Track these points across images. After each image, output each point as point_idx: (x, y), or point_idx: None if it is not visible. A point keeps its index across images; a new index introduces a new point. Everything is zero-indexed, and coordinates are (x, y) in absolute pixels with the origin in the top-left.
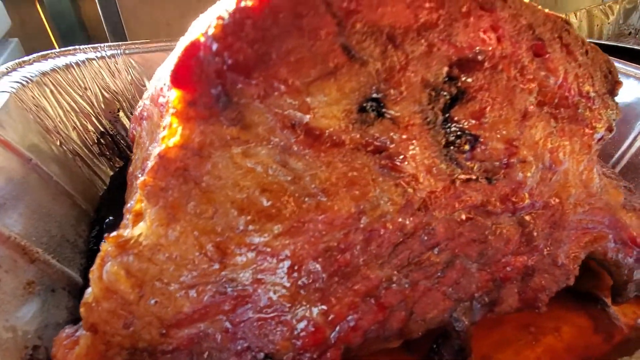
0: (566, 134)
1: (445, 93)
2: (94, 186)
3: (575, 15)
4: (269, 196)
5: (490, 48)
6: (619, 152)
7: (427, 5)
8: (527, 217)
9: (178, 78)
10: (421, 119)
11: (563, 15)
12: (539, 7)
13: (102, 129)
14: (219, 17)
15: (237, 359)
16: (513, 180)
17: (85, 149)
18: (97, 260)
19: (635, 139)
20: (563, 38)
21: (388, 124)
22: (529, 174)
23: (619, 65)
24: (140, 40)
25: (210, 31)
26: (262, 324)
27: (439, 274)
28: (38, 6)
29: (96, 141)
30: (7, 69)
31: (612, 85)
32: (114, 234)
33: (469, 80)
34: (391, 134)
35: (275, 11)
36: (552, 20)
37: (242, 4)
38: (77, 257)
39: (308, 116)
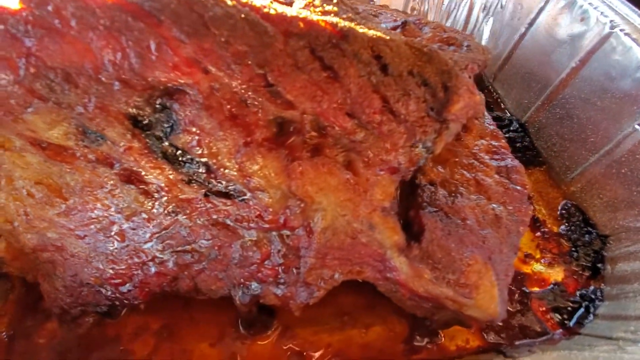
0: (315, 168)
1: (161, 122)
2: None
3: None
4: (42, 188)
5: (192, 80)
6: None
7: (101, 45)
8: (279, 237)
9: None
10: (140, 143)
11: (341, 24)
12: (303, 15)
13: None
14: None
15: (73, 279)
16: (260, 203)
17: None
18: None
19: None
20: (325, 59)
21: (110, 145)
22: (269, 200)
23: None
24: None
25: None
26: (77, 262)
27: (204, 262)
28: None
29: None
30: None
31: (442, 105)
32: None
33: (181, 111)
34: (116, 153)
35: None
36: (309, 35)
37: None
38: None
39: (40, 136)
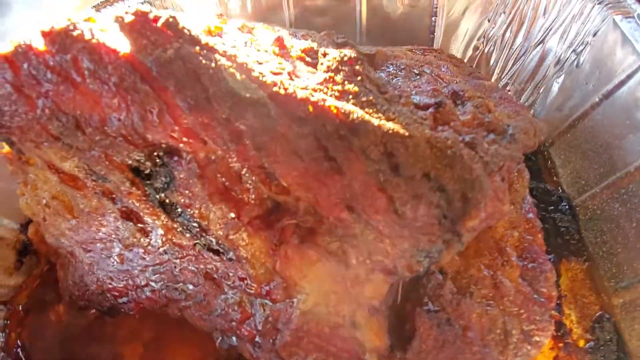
0: (302, 255)
1: (160, 175)
2: None
3: None
4: (57, 202)
5: (189, 149)
6: None
7: (109, 101)
8: (261, 306)
9: None
10: (139, 191)
11: (354, 115)
12: (315, 98)
13: None
14: None
15: (80, 279)
16: (243, 268)
17: None
18: None
19: None
20: (329, 150)
21: (113, 185)
22: (251, 271)
23: None
24: None
25: None
26: (83, 268)
27: (190, 302)
28: None
29: None
30: None
31: (457, 217)
32: None
33: (177, 173)
34: (118, 193)
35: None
36: (316, 122)
37: None
38: None
39: (55, 164)
